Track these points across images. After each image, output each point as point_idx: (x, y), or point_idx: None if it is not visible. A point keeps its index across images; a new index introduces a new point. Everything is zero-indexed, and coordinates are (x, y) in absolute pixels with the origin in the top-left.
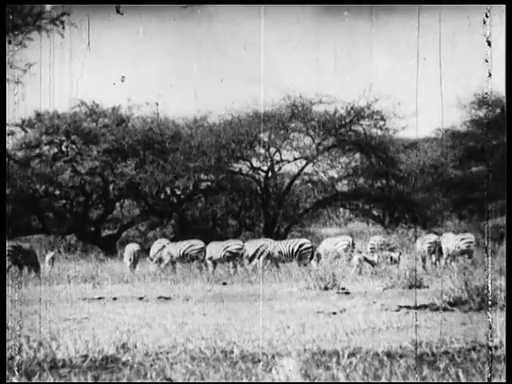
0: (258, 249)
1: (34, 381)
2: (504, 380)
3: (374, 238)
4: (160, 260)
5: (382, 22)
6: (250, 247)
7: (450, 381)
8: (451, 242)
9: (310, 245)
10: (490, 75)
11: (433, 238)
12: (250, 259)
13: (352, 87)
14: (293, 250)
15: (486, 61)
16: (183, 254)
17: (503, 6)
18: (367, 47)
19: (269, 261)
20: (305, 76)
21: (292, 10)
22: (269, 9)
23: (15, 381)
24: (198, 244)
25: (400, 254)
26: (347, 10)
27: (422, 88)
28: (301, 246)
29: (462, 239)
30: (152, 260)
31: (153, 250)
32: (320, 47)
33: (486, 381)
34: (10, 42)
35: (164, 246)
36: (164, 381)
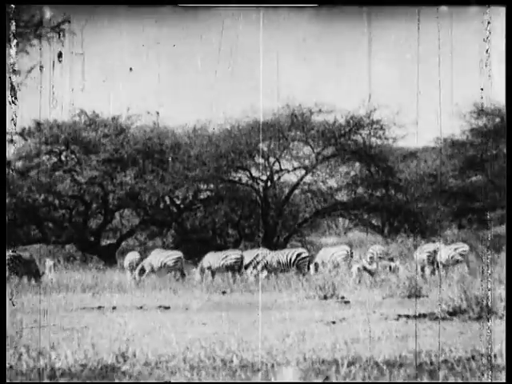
0: (254, 258)
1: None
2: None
3: (372, 248)
4: (142, 270)
5: (381, 29)
6: (248, 257)
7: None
8: (444, 251)
9: (306, 254)
10: (489, 83)
11: (432, 247)
12: (245, 267)
13: (351, 96)
14: (290, 259)
15: (486, 66)
16: (162, 264)
17: (503, 8)
18: (366, 56)
19: (266, 270)
20: (304, 85)
21: (291, 18)
22: (268, 16)
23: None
24: (175, 254)
25: (399, 263)
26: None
27: (421, 97)
28: (298, 255)
29: (456, 249)
30: (133, 270)
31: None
32: (319, 56)
33: None
34: (12, 49)
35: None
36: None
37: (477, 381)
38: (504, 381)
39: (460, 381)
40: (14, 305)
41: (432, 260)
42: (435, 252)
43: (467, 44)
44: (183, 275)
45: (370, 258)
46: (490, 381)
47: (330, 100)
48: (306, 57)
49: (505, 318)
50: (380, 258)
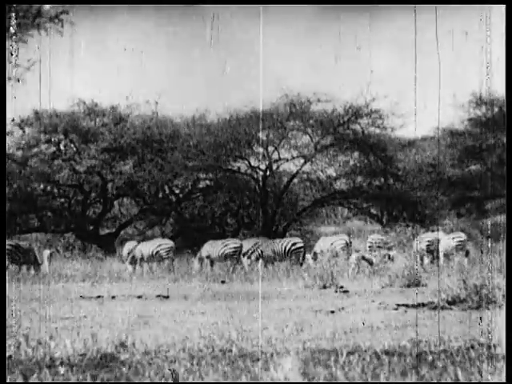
0: (252, 247)
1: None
2: (504, 379)
3: (371, 237)
4: (133, 259)
5: (380, 20)
6: (246, 246)
7: (449, 380)
8: (443, 241)
9: (301, 244)
10: (488, 74)
11: (431, 236)
12: (243, 256)
13: (350, 86)
14: (285, 248)
15: (487, 63)
16: (152, 253)
17: (503, 6)
18: (366, 46)
19: (261, 260)
20: (303, 75)
21: (291, 9)
22: (267, 8)
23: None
24: (168, 243)
25: (398, 252)
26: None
27: (420, 87)
28: (293, 244)
29: (453, 238)
30: (126, 260)
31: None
32: (318, 46)
33: (485, 380)
34: (11, 40)
35: (136, 246)
36: (164, 381)
37: (475, 374)
38: (504, 372)
39: (459, 373)
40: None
41: (432, 249)
42: (434, 241)
43: (467, 34)
44: (203, 262)
45: (369, 247)
46: (489, 370)
47: (328, 89)
48: (305, 47)
49: (504, 307)
50: (379, 247)
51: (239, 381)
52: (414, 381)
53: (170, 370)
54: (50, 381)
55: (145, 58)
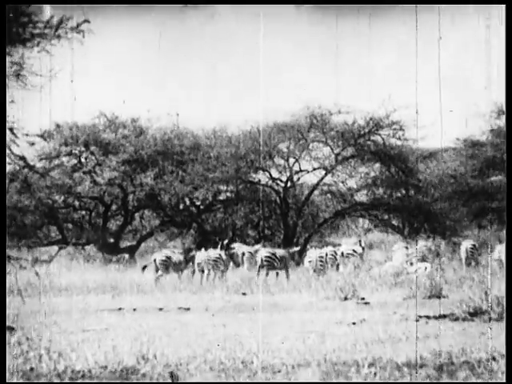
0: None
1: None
2: (504, 379)
3: (409, 250)
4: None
5: (399, 30)
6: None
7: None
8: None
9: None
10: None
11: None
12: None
13: (370, 97)
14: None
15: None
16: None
17: (503, 6)
18: (385, 57)
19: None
20: (323, 86)
21: (308, 20)
22: (287, 19)
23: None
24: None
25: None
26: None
27: (441, 98)
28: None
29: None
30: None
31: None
32: (338, 56)
33: None
34: (31, 49)
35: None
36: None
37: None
38: (504, 381)
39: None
40: None
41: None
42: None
43: (469, 37)
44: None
45: (407, 261)
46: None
47: (349, 101)
48: (324, 58)
49: (505, 315)
50: (418, 259)
51: (239, 381)
52: (415, 381)
53: (169, 373)
54: (53, 381)
55: (164, 69)
